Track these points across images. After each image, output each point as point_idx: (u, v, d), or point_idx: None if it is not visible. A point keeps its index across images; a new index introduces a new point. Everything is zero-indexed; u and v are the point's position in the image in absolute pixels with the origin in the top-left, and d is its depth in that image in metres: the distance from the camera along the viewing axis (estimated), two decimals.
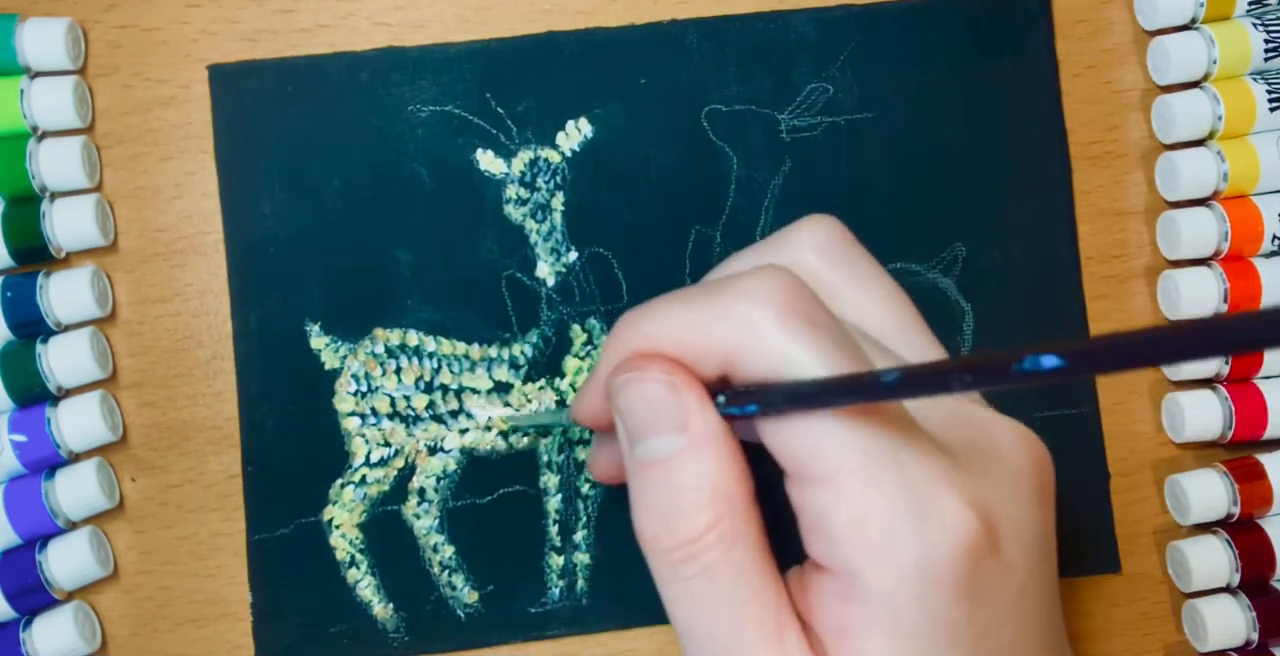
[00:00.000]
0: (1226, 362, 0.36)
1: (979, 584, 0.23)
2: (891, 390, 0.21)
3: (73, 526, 0.35)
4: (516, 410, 0.36)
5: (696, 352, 0.24)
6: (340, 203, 0.36)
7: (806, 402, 0.23)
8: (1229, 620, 0.36)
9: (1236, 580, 0.36)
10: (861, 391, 0.22)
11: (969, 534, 0.23)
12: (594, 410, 0.27)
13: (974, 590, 0.23)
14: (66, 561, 0.34)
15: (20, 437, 0.34)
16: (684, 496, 0.24)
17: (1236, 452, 0.37)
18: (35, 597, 0.34)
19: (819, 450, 0.23)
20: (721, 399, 0.24)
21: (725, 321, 0.24)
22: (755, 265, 0.25)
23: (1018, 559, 0.24)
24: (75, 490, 0.34)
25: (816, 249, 0.28)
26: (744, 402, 0.24)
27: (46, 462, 0.35)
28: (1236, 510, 0.36)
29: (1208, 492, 0.36)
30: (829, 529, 0.23)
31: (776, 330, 0.23)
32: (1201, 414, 0.36)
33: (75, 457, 0.35)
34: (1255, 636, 0.36)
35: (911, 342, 0.28)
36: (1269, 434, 0.36)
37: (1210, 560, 0.36)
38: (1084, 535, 0.37)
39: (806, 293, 0.24)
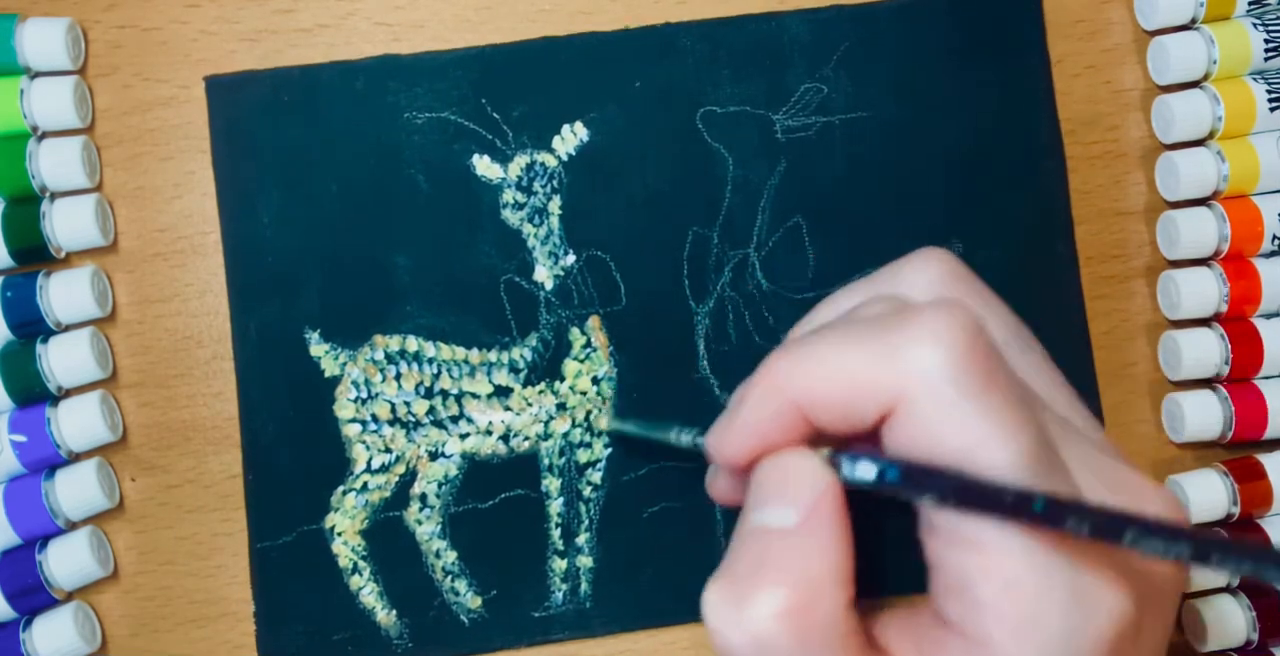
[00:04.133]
0: (1227, 362, 0.36)
1: None
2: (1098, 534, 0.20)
3: (73, 526, 0.35)
4: (517, 414, 0.36)
5: (859, 396, 0.22)
6: (338, 210, 0.36)
7: (990, 508, 0.21)
8: (1229, 620, 0.36)
9: (1237, 580, 0.36)
10: (1047, 520, 0.20)
11: (1122, 620, 0.22)
12: (734, 454, 0.25)
13: None
14: (66, 561, 0.34)
15: (20, 437, 0.34)
16: (769, 573, 0.22)
17: (1236, 452, 0.37)
18: (35, 597, 0.34)
19: None
20: (891, 475, 0.22)
21: (895, 363, 0.22)
22: (878, 300, 0.23)
23: (1148, 642, 0.23)
24: (75, 490, 0.34)
25: (935, 283, 0.26)
26: (920, 490, 0.22)
27: (46, 462, 0.35)
28: (1236, 510, 0.36)
29: (1208, 492, 0.36)
30: (973, 594, 0.22)
31: (953, 381, 0.21)
32: (1201, 414, 0.36)
33: (75, 457, 0.35)
34: (1255, 636, 0.36)
35: (1059, 394, 0.26)
36: (1269, 434, 0.36)
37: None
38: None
39: (985, 337, 0.22)
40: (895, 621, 0.24)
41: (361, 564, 0.36)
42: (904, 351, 0.22)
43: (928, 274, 0.26)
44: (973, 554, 0.22)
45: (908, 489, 0.21)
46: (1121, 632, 0.22)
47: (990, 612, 0.22)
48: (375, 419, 0.36)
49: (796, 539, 0.22)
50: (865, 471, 0.22)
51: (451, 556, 0.36)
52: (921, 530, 0.23)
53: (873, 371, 0.22)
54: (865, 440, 0.24)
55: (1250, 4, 0.37)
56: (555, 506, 0.36)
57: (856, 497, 0.23)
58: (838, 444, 0.24)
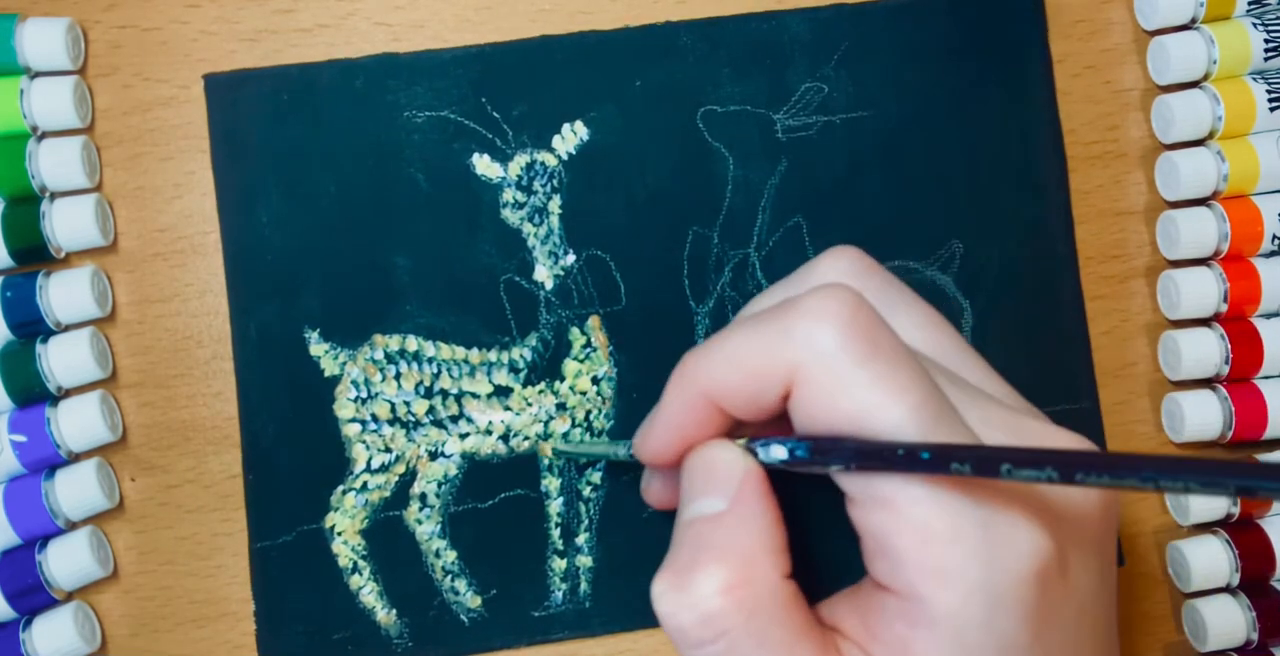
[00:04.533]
0: (1227, 362, 0.36)
1: (1046, 606, 0.23)
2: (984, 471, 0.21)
3: (73, 526, 0.35)
4: (517, 414, 0.36)
5: (760, 379, 0.24)
6: (337, 210, 0.36)
7: (887, 466, 0.22)
8: (1229, 620, 0.36)
9: (1236, 580, 0.36)
10: (954, 464, 0.21)
11: (1041, 557, 0.23)
12: (658, 451, 0.27)
13: (1041, 612, 0.23)
14: (66, 561, 0.34)
15: (20, 437, 0.34)
16: (707, 555, 0.24)
17: (1236, 452, 0.37)
18: (35, 597, 0.34)
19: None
20: (800, 452, 0.24)
21: (787, 343, 0.23)
22: (784, 298, 0.25)
23: (1081, 580, 0.24)
24: (75, 490, 0.34)
25: (844, 277, 0.27)
26: (826, 460, 0.23)
27: (46, 462, 0.35)
28: (1236, 510, 0.36)
29: None
30: (893, 551, 0.23)
31: (839, 351, 0.23)
32: (1201, 414, 0.36)
33: (75, 457, 0.35)
34: (1255, 636, 0.36)
35: (966, 364, 0.27)
36: (1269, 434, 0.36)
37: (1210, 560, 0.36)
38: None
39: (867, 309, 0.24)
40: (841, 600, 0.25)
41: (361, 563, 0.36)
42: (791, 332, 0.23)
43: (837, 269, 0.28)
44: (885, 511, 0.23)
45: (816, 461, 0.23)
46: (1043, 566, 0.23)
47: (911, 563, 0.23)
48: (375, 418, 0.36)
49: (727, 522, 0.24)
50: (778, 452, 0.24)
51: (451, 556, 0.36)
52: (847, 507, 0.24)
53: (767, 355, 0.24)
54: (780, 426, 0.25)
55: (1250, 4, 0.37)
56: (555, 506, 0.36)
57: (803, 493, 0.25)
58: (756, 432, 0.26)
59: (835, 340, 0.23)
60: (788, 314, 0.24)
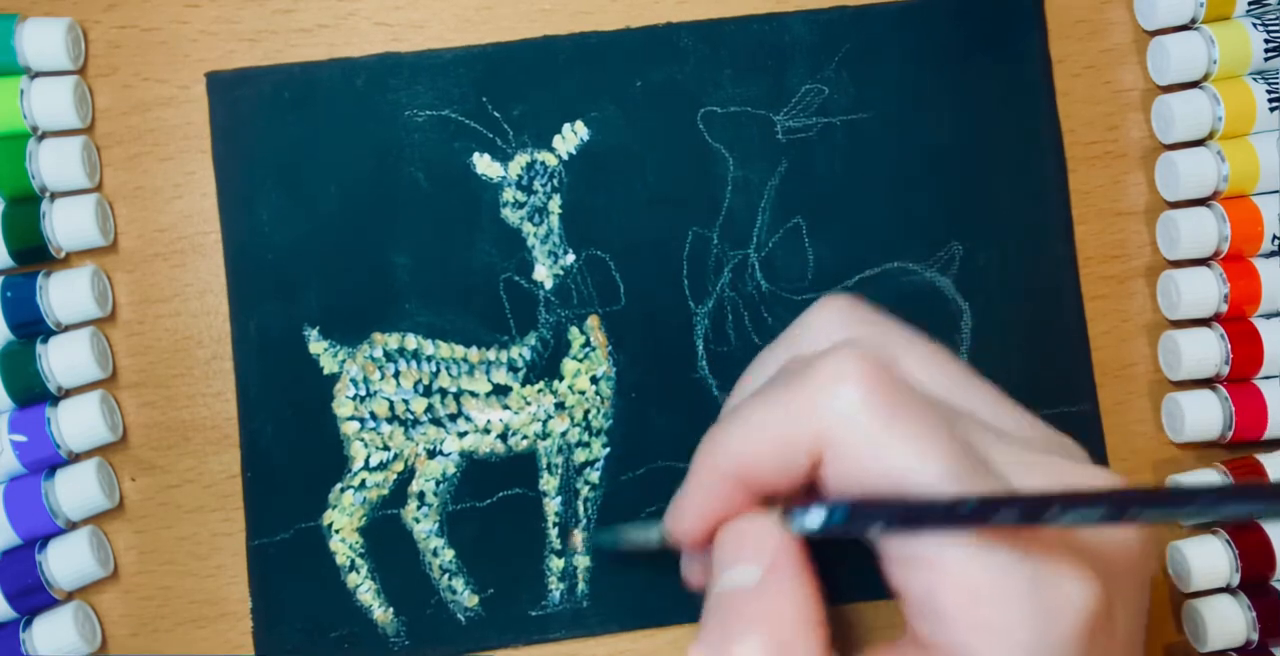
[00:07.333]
0: (1227, 362, 0.36)
1: (1093, 651, 0.23)
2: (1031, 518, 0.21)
3: (73, 526, 0.35)
4: (516, 413, 0.36)
5: (787, 451, 0.24)
6: (338, 208, 0.36)
7: (929, 523, 0.22)
8: (1229, 620, 0.36)
9: (1236, 580, 0.36)
10: (984, 518, 0.21)
11: (1090, 609, 0.22)
12: (691, 533, 0.26)
13: None
14: (66, 561, 0.34)
15: (20, 437, 0.34)
16: (743, 626, 0.23)
17: (1236, 452, 0.37)
18: (35, 597, 0.34)
19: None
20: (838, 516, 0.23)
21: (811, 411, 0.23)
22: (789, 360, 0.25)
23: (1125, 624, 0.24)
24: (75, 490, 0.34)
25: (842, 328, 0.27)
26: (866, 522, 0.23)
27: (46, 462, 0.35)
28: None
29: None
30: (939, 610, 0.23)
31: (864, 413, 0.23)
32: (1201, 414, 0.36)
33: (75, 457, 0.35)
34: (1255, 636, 0.36)
35: (978, 398, 0.27)
36: (1269, 434, 0.36)
37: (1210, 560, 0.36)
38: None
39: (881, 366, 0.24)
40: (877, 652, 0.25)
41: (359, 561, 0.36)
42: (813, 399, 0.23)
43: (830, 322, 0.27)
44: (929, 571, 0.23)
45: (856, 524, 0.23)
46: (1093, 616, 0.22)
47: (959, 622, 0.22)
48: (374, 416, 0.36)
49: (763, 592, 0.24)
50: (815, 517, 0.23)
51: (449, 554, 0.36)
52: (884, 567, 0.24)
53: (792, 425, 0.23)
54: (813, 495, 0.25)
55: (1250, 4, 0.37)
56: (553, 505, 0.36)
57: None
58: (788, 503, 0.25)
59: (859, 403, 0.23)
60: (806, 382, 0.24)
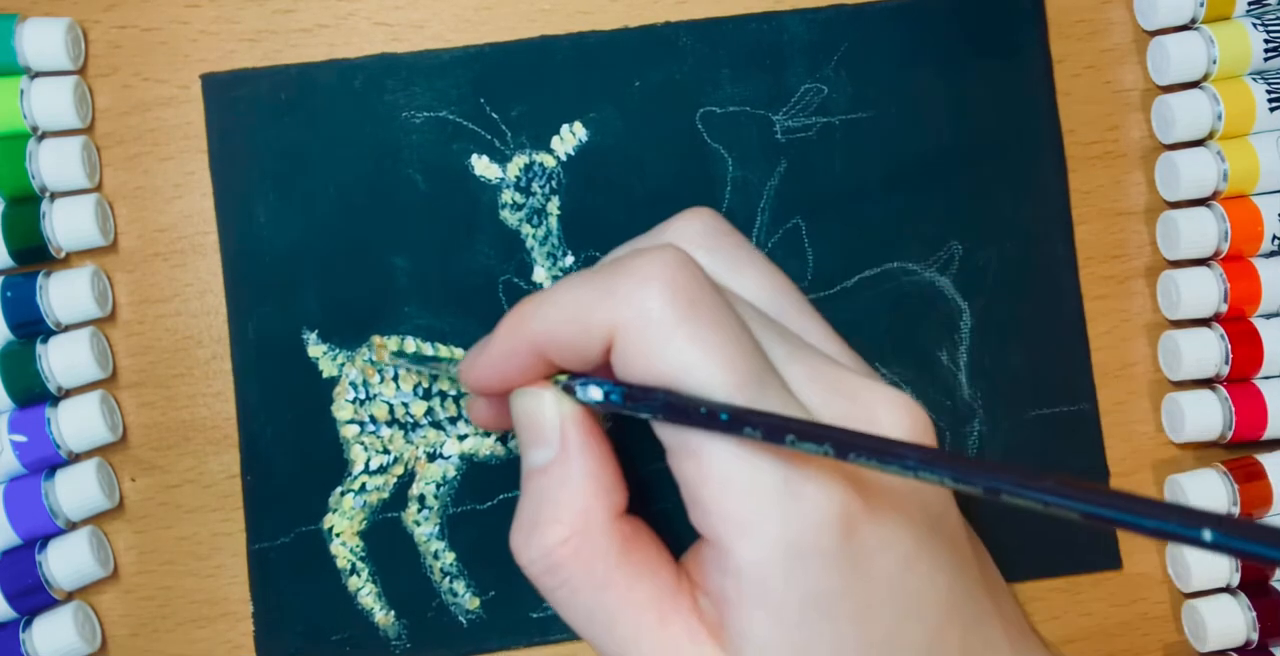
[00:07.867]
0: (1227, 362, 0.36)
1: (855, 555, 0.24)
2: (785, 438, 0.22)
3: (73, 526, 0.35)
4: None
5: (583, 333, 0.25)
6: (336, 210, 0.36)
7: (691, 421, 0.24)
8: (1229, 620, 0.36)
9: (1236, 580, 0.36)
10: (755, 429, 0.23)
11: (836, 504, 0.24)
12: (482, 385, 0.28)
13: (849, 561, 0.24)
14: (66, 561, 0.34)
15: (20, 438, 0.34)
16: (545, 510, 0.25)
17: (1236, 452, 0.37)
18: (35, 598, 0.34)
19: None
20: (614, 397, 0.25)
21: (612, 300, 0.24)
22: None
23: (900, 529, 0.25)
24: (75, 490, 0.34)
25: (694, 237, 0.28)
26: (637, 408, 0.24)
27: (46, 463, 0.35)
28: (1236, 510, 0.36)
29: (1208, 492, 0.36)
30: (700, 500, 0.24)
31: (659, 310, 0.24)
32: (1201, 414, 0.36)
33: (75, 458, 0.35)
34: (1255, 636, 0.36)
35: (806, 326, 0.28)
36: (1269, 434, 0.36)
37: (1210, 560, 0.36)
38: (1084, 533, 0.37)
39: (692, 270, 0.25)
40: (690, 551, 0.27)
41: (360, 565, 0.36)
42: (616, 290, 0.24)
43: (690, 229, 0.28)
44: (694, 461, 0.24)
45: (630, 407, 0.24)
46: (842, 513, 0.24)
47: (714, 513, 0.24)
48: (373, 420, 0.36)
49: (556, 471, 0.26)
50: (594, 393, 0.25)
51: (450, 557, 0.36)
52: (667, 457, 0.25)
53: (593, 308, 0.24)
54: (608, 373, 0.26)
55: (1250, 4, 0.37)
56: None
57: None
58: (572, 378, 0.26)
59: (657, 300, 0.24)
60: (616, 272, 0.25)
